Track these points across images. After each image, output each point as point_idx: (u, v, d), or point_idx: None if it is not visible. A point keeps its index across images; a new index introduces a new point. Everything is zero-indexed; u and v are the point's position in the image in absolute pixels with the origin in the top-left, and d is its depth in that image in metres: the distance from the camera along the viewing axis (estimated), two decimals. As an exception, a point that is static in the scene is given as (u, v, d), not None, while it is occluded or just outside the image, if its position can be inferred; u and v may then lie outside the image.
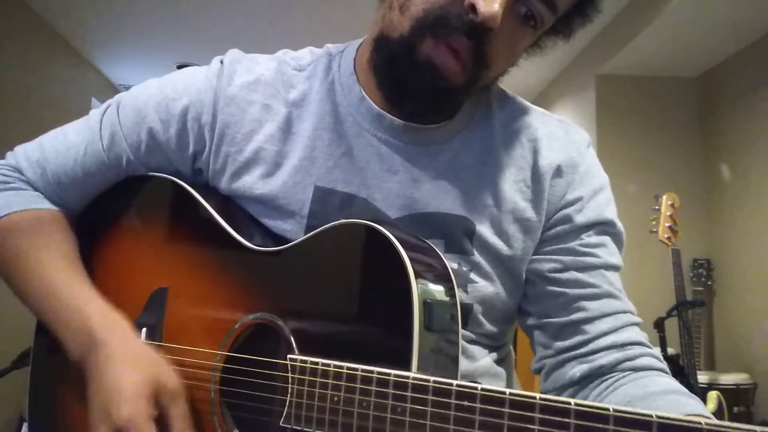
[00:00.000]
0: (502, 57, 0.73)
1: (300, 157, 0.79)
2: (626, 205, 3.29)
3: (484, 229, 0.78)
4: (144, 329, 0.77)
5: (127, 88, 0.88)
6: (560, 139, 0.82)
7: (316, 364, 0.63)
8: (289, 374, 0.65)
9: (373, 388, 0.59)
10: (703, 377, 2.88)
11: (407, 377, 0.57)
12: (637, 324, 0.79)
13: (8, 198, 0.84)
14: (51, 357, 0.86)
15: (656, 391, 0.72)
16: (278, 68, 0.83)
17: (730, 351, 3.33)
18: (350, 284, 0.68)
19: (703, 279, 3.32)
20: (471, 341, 0.79)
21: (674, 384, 0.74)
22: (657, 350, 0.79)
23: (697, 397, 0.70)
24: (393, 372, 0.58)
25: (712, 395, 2.74)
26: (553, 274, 0.79)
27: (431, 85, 0.71)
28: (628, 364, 0.76)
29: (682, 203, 2.86)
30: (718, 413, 2.70)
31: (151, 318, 0.78)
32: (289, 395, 0.65)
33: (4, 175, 0.86)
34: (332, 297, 0.69)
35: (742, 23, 3.02)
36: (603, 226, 0.80)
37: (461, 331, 0.76)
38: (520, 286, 0.81)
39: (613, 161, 3.53)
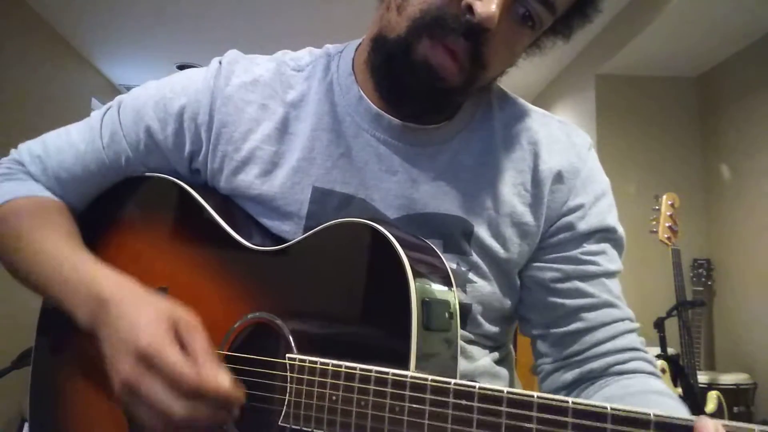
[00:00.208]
0: (500, 58, 0.73)
1: (298, 158, 0.79)
2: (626, 205, 3.29)
3: (482, 231, 0.78)
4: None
5: (127, 88, 0.88)
6: (561, 142, 0.82)
7: (315, 363, 0.64)
8: (288, 373, 0.65)
9: (372, 387, 0.59)
10: (703, 377, 2.88)
11: (405, 376, 0.58)
12: (633, 330, 0.80)
13: (10, 186, 0.84)
14: (52, 356, 0.86)
15: (635, 391, 0.73)
16: (277, 69, 0.83)
17: (730, 351, 3.33)
18: (349, 283, 0.68)
19: (703, 279, 3.32)
20: (470, 341, 0.79)
21: (658, 386, 0.74)
22: (652, 355, 0.80)
23: (677, 399, 0.71)
24: (391, 371, 0.58)
25: (712, 395, 2.74)
26: (554, 284, 0.79)
27: (428, 86, 0.71)
28: (618, 367, 0.77)
29: (682, 203, 2.86)
30: (718, 413, 2.70)
31: (151, 318, 0.78)
32: (287, 394, 0.65)
33: (8, 168, 0.87)
34: (331, 296, 0.69)
35: (742, 23, 3.02)
36: (604, 233, 0.81)
37: (461, 331, 0.77)
38: (514, 288, 0.82)
39: (613, 161, 3.53)
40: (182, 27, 3.88)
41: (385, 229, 0.66)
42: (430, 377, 0.56)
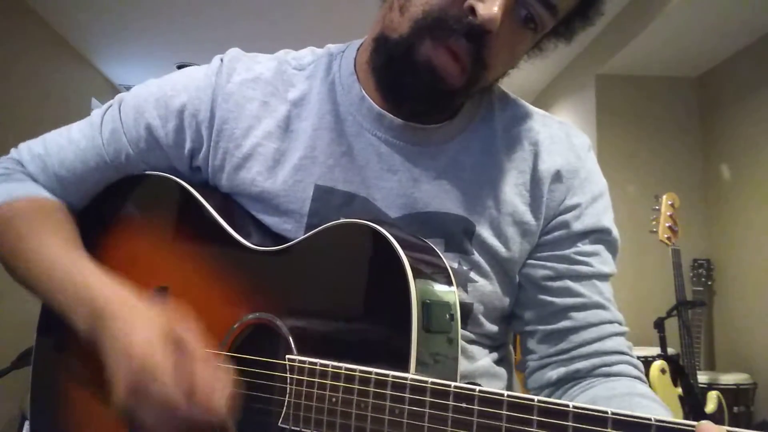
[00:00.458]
0: (502, 59, 0.73)
1: (300, 156, 0.79)
2: (626, 205, 3.30)
3: (484, 230, 0.78)
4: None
5: (127, 88, 0.88)
6: (561, 142, 0.82)
7: (314, 364, 0.63)
8: (288, 374, 0.65)
9: (371, 389, 0.59)
10: (703, 377, 2.88)
11: (405, 378, 0.57)
12: (621, 334, 0.80)
13: (9, 187, 0.84)
14: (53, 356, 0.86)
15: (620, 393, 0.73)
16: (278, 67, 0.83)
17: (730, 351, 3.33)
18: (349, 284, 0.68)
19: (703, 279, 3.32)
20: (471, 341, 0.79)
21: (644, 389, 0.75)
22: (638, 361, 0.81)
23: (662, 404, 0.71)
24: (391, 373, 0.58)
25: (712, 395, 2.74)
26: (545, 282, 0.80)
27: (429, 87, 0.71)
28: (604, 369, 0.77)
29: (682, 203, 2.86)
30: (718, 413, 2.70)
31: (151, 318, 0.78)
32: (287, 395, 0.65)
33: (7, 168, 0.87)
34: (331, 297, 0.68)
35: (742, 23, 3.02)
36: (599, 234, 0.81)
37: (462, 331, 0.77)
38: (514, 287, 0.82)
39: (612, 161, 3.53)
40: (182, 27, 3.88)
41: (386, 230, 0.66)
42: (430, 380, 0.56)
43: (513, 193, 0.79)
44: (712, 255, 3.43)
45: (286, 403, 0.65)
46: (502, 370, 0.84)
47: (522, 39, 0.73)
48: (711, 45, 3.28)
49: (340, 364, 0.62)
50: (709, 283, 3.36)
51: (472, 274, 0.78)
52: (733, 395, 2.87)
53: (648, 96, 3.72)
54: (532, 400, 0.51)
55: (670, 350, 2.86)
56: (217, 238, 0.77)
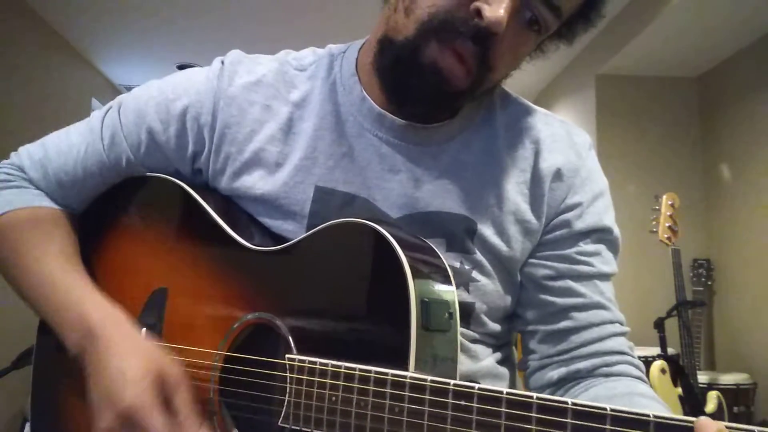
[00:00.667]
0: (506, 61, 0.73)
1: (301, 157, 0.79)
2: (626, 205, 3.30)
3: (486, 229, 0.78)
4: (143, 329, 0.77)
5: (127, 88, 0.88)
6: (562, 140, 0.82)
7: (314, 363, 0.64)
8: (287, 374, 0.65)
9: (371, 387, 0.59)
10: (703, 377, 2.88)
11: (405, 377, 0.57)
12: (622, 334, 0.81)
13: (9, 196, 0.84)
14: (53, 356, 0.86)
15: (620, 393, 0.73)
16: (280, 69, 0.83)
17: (730, 351, 3.33)
18: (348, 283, 0.68)
19: (703, 279, 3.32)
20: (474, 340, 0.79)
21: (644, 389, 0.75)
22: (639, 361, 0.81)
23: (663, 403, 0.71)
24: (390, 372, 0.58)
25: (712, 395, 2.74)
26: (546, 282, 0.80)
27: (435, 89, 0.71)
28: (604, 369, 0.77)
29: (682, 203, 2.86)
30: (718, 413, 2.70)
31: (151, 318, 0.79)
32: (287, 395, 0.65)
33: (7, 174, 0.86)
34: (330, 296, 0.69)
35: (742, 23, 3.02)
36: (600, 234, 0.81)
37: (465, 330, 0.77)
38: (516, 286, 0.82)
39: (613, 161, 3.53)
40: (182, 27, 3.88)
41: (385, 229, 0.66)
42: (429, 378, 0.56)
43: (515, 191, 0.80)
44: (712, 255, 3.43)
45: (286, 403, 0.65)
46: (504, 371, 0.84)
47: (526, 41, 0.73)
48: (711, 45, 3.28)
49: (340, 363, 0.62)
50: (709, 283, 3.36)
51: (474, 274, 0.78)
52: (733, 395, 2.87)
53: (648, 96, 3.72)
54: (531, 397, 0.51)
55: (670, 350, 2.86)
56: (217, 239, 0.77)
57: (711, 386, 2.86)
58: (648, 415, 0.46)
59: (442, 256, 0.71)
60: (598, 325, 0.79)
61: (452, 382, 0.55)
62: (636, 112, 3.72)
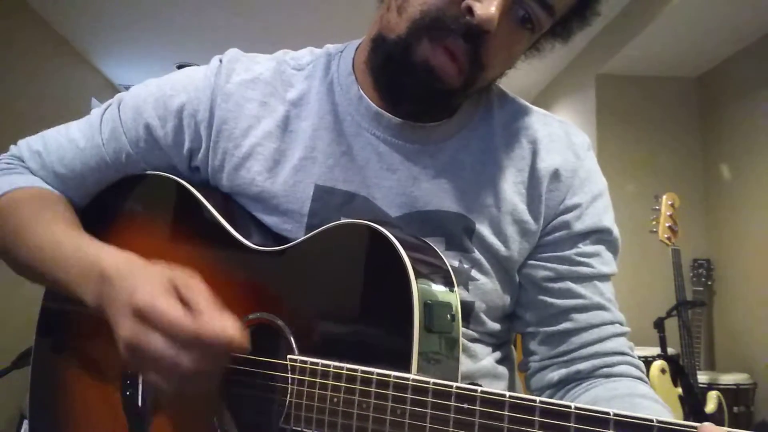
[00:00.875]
0: (499, 59, 0.73)
1: (300, 157, 0.79)
2: (626, 205, 3.30)
3: (484, 229, 0.78)
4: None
5: (127, 88, 0.88)
6: (560, 140, 0.82)
7: (316, 364, 0.63)
8: (289, 375, 0.65)
9: (373, 389, 0.59)
10: (703, 377, 2.88)
11: (407, 379, 0.57)
12: (622, 334, 0.81)
13: (11, 178, 0.84)
14: (52, 356, 0.86)
15: (621, 394, 0.73)
16: (277, 68, 0.83)
17: (730, 351, 3.33)
18: (351, 285, 0.68)
19: (703, 279, 3.32)
20: (473, 339, 0.80)
21: (645, 390, 0.75)
22: (640, 361, 0.81)
23: (663, 404, 0.71)
24: (393, 373, 0.58)
25: (712, 395, 2.74)
26: (546, 283, 0.80)
27: (427, 87, 0.71)
28: (605, 370, 0.78)
29: (682, 203, 2.86)
30: (718, 413, 2.70)
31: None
32: (288, 396, 0.65)
33: (8, 163, 0.87)
34: (332, 297, 0.69)
35: (742, 23, 3.02)
36: (600, 234, 0.81)
37: (464, 329, 0.77)
38: (515, 285, 0.82)
39: (612, 161, 3.53)
40: (182, 27, 3.88)
41: (387, 230, 0.66)
42: (431, 380, 0.56)
43: (512, 191, 0.80)
44: (712, 255, 3.43)
45: (287, 403, 0.65)
46: (504, 370, 0.84)
47: (519, 39, 0.73)
48: (711, 45, 3.28)
49: (342, 365, 0.62)
50: (709, 283, 3.36)
51: (474, 272, 0.78)
52: (733, 395, 2.87)
53: (648, 96, 3.72)
54: (534, 401, 0.51)
55: (670, 350, 2.86)
56: (218, 238, 0.77)
57: (711, 386, 2.86)
58: (651, 420, 0.46)
59: (444, 258, 0.71)
60: (598, 326, 0.79)
61: (455, 384, 0.55)
62: (636, 112, 3.72)
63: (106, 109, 0.86)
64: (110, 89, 4.74)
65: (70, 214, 0.83)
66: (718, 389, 2.81)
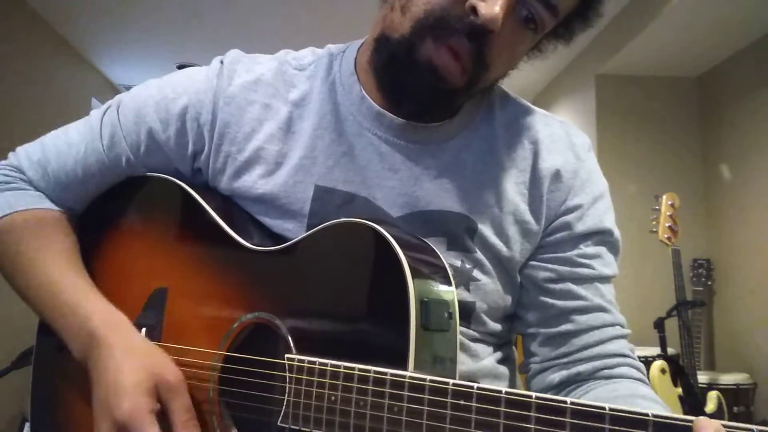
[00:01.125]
0: (502, 59, 0.73)
1: (300, 157, 0.79)
2: (626, 205, 3.30)
3: (486, 229, 0.78)
4: (143, 329, 0.77)
5: (127, 88, 0.88)
6: (561, 141, 0.82)
7: (314, 363, 0.64)
8: (287, 374, 0.65)
9: (370, 387, 0.59)
10: (703, 377, 2.88)
11: (404, 376, 0.57)
12: (623, 336, 0.81)
13: (9, 198, 0.84)
14: (53, 356, 0.86)
15: (621, 395, 0.73)
16: (279, 68, 0.83)
17: (730, 351, 3.33)
18: (347, 283, 0.68)
19: (703, 279, 3.32)
20: (474, 339, 0.80)
21: (645, 391, 0.75)
22: (640, 363, 0.81)
23: (664, 405, 0.71)
24: (390, 371, 0.58)
25: (712, 395, 2.74)
26: (547, 284, 0.80)
27: (431, 86, 0.71)
28: (605, 372, 0.78)
29: (682, 203, 2.86)
30: (718, 413, 2.70)
31: (151, 318, 0.78)
32: (286, 395, 0.65)
33: (6, 176, 0.86)
34: (329, 296, 0.69)
35: (742, 23, 3.02)
36: (601, 236, 0.81)
37: (465, 329, 0.77)
38: (516, 286, 0.82)
39: (613, 161, 3.53)
40: (182, 27, 3.88)
41: (384, 229, 0.66)
42: (428, 377, 0.56)
43: (514, 191, 0.80)
44: (712, 255, 3.43)
45: (285, 402, 0.65)
46: (505, 370, 0.84)
47: (522, 39, 0.73)
48: (711, 45, 3.28)
49: (339, 363, 0.62)
50: (709, 283, 3.36)
51: (475, 273, 0.78)
52: (733, 395, 2.87)
53: (648, 96, 3.72)
54: (530, 396, 0.51)
55: (670, 350, 2.86)
56: (217, 239, 0.77)
57: (711, 386, 2.86)
58: (647, 415, 0.46)
59: (441, 256, 0.71)
60: (598, 328, 0.79)
61: (451, 381, 0.55)
62: (636, 112, 3.72)
63: (105, 112, 0.86)
64: (110, 89, 4.74)
65: (68, 242, 0.83)
66: (718, 389, 2.81)
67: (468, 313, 0.78)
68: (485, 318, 0.80)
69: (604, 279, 0.81)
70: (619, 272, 0.83)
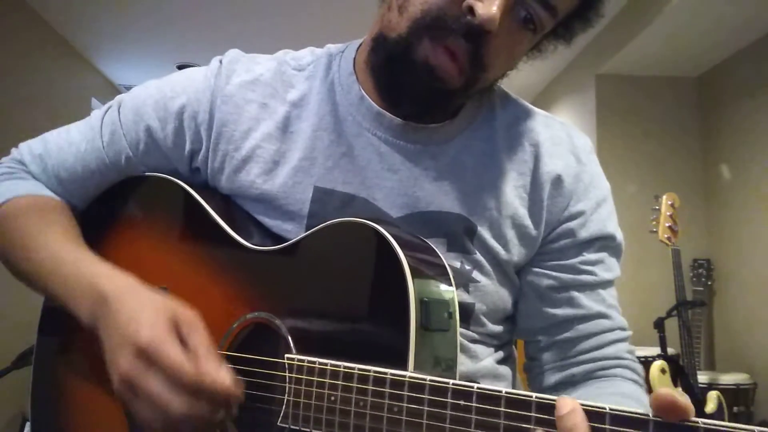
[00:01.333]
0: (500, 60, 0.73)
1: (299, 158, 0.79)
2: (626, 205, 3.30)
3: (484, 231, 0.78)
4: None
5: (127, 88, 0.89)
6: (562, 143, 0.82)
7: (314, 363, 0.63)
8: (287, 373, 0.65)
9: (370, 387, 0.59)
10: (703, 377, 2.88)
11: (404, 376, 0.57)
12: (622, 340, 0.81)
13: (11, 185, 0.84)
14: (53, 356, 0.86)
15: (607, 393, 0.74)
16: (278, 68, 0.83)
17: (730, 351, 3.33)
18: (347, 283, 0.68)
19: (703, 279, 3.32)
20: (474, 341, 0.80)
21: (630, 390, 0.76)
22: (638, 365, 0.82)
23: (645, 405, 0.71)
24: (390, 371, 0.58)
25: (712, 395, 2.74)
26: (549, 292, 0.80)
27: (427, 87, 0.71)
28: (599, 373, 0.79)
29: (682, 203, 2.86)
30: (718, 413, 2.70)
31: (151, 318, 0.78)
32: (286, 394, 0.65)
33: (9, 167, 0.87)
34: (329, 296, 0.69)
35: (742, 23, 3.02)
36: (604, 241, 0.81)
37: (464, 331, 0.77)
38: (515, 287, 0.82)
39: (613, 161, 3.53)
40: (182, 27, 3.88)
41: (384, 228, 0.66)
42: (428, 377, 0.56)
43: (513, 195, 0.79)
44: (712, 255, 3.43)
45: (285, 402, 0.65)
46: (505, 370, 0.84)
47: (521, 40, 0.73)
48: (711, 45, 3.28)
49: (339, 363, 0.62)
50: (709, 283, 3.36)
51: (475, 274, 0.78)
52: (733, 395, 2.87)
53: (648, 96, 3.72)
54: (530, 396, 0.51)
55: (670, 350, 2.86)
56: (217, 239, 0.77)
57: (711, 386, 2.86)
58: (647, 415, 0.46)
59: (441, 256, 0.71)
60: (597, 334, 0.80)
61: (451, 381, 0.55)
62: (636, 112, 3.72)
63: (106, 112, 0.86)
64: (110, 89, 4.74)
65: (69, 223, 0.83)
66: (718, 389, 2.81)
67: (467, 314, 0.78)
68: (484, 320, 0.80)
69: (606, 284, 0.81)
70: (619, 272, 0.83)
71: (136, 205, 0.87)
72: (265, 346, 0.70)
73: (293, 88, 0.82)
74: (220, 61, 0.83)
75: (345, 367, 0.61)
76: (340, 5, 3.36)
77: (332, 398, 0.61)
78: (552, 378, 0.80)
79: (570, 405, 0.48)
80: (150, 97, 0.83)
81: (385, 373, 0.58)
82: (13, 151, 0.89)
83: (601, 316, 0.80)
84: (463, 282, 0.77)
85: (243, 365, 0.70)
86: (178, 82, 0.83)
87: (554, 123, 0.85)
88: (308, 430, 0.63)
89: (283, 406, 0.65)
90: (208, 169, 0.82)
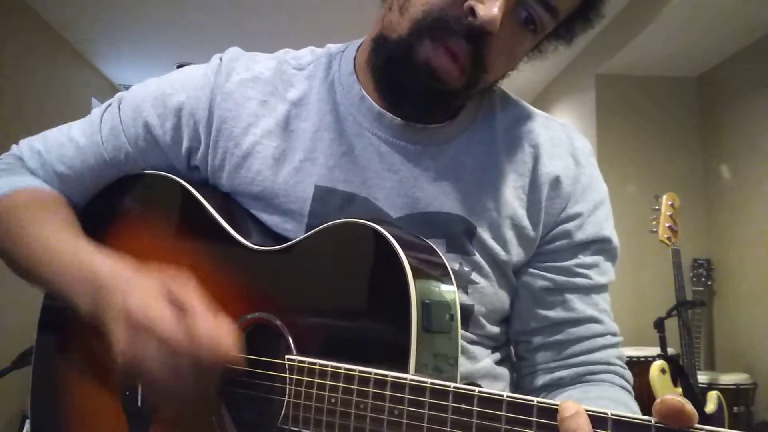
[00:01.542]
0: (501, 61, 0.73)
1: (300, 158, 0.79)
2: (626, 205, 3.30)
3: (484, 232, 0.78)
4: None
5: (127, 88, 0.88)
6: (562, 145, 0.82)
7: (314, 364, 0.63)
8: (287, 374, 0.65)
9: (371, 389, 0.59)
10: (703, 377, 2.88)
11: (405, 379, 0.57)
12: (612, 345, 0.81)
13: (10, 179, 0.84)
14: (53, 355, 0.86)
15: (591, 397, 0.74)
16: (278, 67, 0.83)
17: (730, 351, 3.33)
18: (349, 284, 0.68)
19: (703, 279, 3.32)
20: (472, 342, 0.79)
21: (615, 394, 0.76)
22: (627, 371, 0.82)
23: (631, 410, 0.72)
24: (390, 373, 0.58)
25: (712, 395, 2.74)
26: (543, 294, 0.80)
27: (428, 88, 0.71)
28: (588, 377, 0.79)
29: (682, 203, 2.86)
30: (718, 413, 2.70)
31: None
32: (286, 395, 0.65)
33: (8, 163, 0.87)
34: (331, 297, 0.68)
35: (742, 23, 3.02)
36: (600, 244, 0.81)
37: (463, 332, 0.77)
38: (513, 289, 0.82)
39: (613, 161, 3.53)
40: (182, 27, 3.88)
41: (386, 229, 0.65)
42: (429, 380, 0.56)
43: (512, 196, 0.79)
44: (712, 255, 3.43)
45: (285, 403, 0.65)
46: (503, 371, 0.84)
47: (522, 41, 0.72)
48: (711, 45, 3.28)
49: (340, 365, 0.61)
50: (709, 283, 3.36)
51: (474, 275, 0.78)
52: (733, 395, 2.87)
53: (648, 96, 3.72)
54: (532, 400, 0.51)
55: (670, 350, 2.86)
56: (217, 238, 0.77)
57: (711, 386, 2.86)
58: (650, 421, 0.46)
59: (443, 257, 0.71)
60: (588, 338, 0.80)
61: (452, 384, 0.55)
62: (636, 112, 3.72)
63: (106, 109, 0.87)
64: (110, 89, 4.74)
65: (68, 216, 0.83)
66: (718, 389, 2.81)
67: (467, 316, 0.78)
68: (483, 321, 0.80)
69: (600, 288, 0.81)
70: (619, 273, 0.84)
71: (135, 202, 0.87)
72: (266, 346, 0.70)
73: (293, 87, 0.82)
74: (221, 59, 0.83)
75: (345, 369, 0.61)
76: (340, 5, 3.36)
77: (332, 400, 0.61)
78: (540, 379, 0.80)
79: (574, 408, 0.48)
80: (150, 93, 0.83)
81: (386, 376, 0.58)
82: (13, 147, 0.89)
83: (592, 320, 0.80)
84: (463, 284, 0.77)
85: (244, 366, 0.70)
86: (178, 80, 0.83)
87: (554, 125, 0.84)
88: (308, 431, 0.63)
89: (283, 407, 0.65)
90: (208, 167, 0.82)
